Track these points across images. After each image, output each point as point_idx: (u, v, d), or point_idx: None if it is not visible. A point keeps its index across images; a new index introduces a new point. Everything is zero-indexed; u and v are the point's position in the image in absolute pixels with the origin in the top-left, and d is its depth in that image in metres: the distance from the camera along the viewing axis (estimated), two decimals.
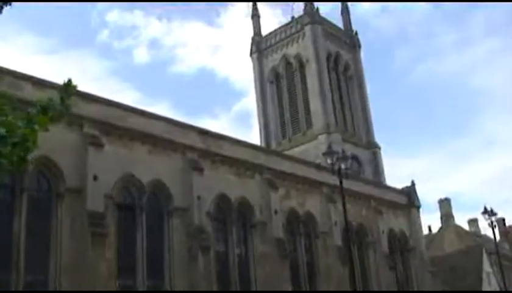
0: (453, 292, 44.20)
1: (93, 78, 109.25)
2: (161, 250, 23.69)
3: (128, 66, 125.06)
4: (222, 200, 26.75)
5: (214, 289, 24.38)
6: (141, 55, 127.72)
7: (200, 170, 25.43)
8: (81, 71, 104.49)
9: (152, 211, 23.90)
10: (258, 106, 49.33)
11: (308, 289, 30.10)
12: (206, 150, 26.50)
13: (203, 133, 27.17)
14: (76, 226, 20.59)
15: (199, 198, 24.70)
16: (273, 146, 45.16)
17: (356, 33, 53.39)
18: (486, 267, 49.51)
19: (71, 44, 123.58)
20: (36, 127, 6.80)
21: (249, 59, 51.53)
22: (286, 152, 38.07)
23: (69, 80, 7.35)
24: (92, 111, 22.04)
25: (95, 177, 21.11)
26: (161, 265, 23.51)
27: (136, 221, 23.25)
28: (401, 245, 39.15)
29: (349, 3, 55.54)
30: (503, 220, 68.97)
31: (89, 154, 21.43)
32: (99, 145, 21.88)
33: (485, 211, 32.50)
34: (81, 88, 9.37)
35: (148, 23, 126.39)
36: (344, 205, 22.66)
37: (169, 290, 23.11)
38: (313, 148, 41.23)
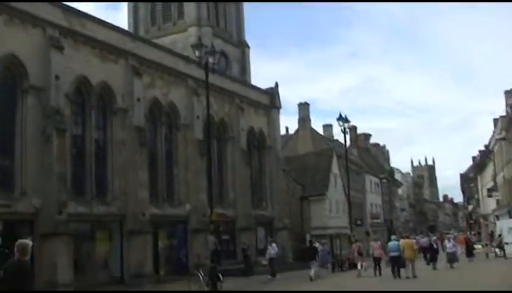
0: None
1: None
2: (12, 130, 22.46)
3: None
4: (83, 83, 25.68)
5: (68, 172, 23.90)
6: None
7: (60, 48, 23.98)
8: None
9: (4, 88, 22.34)
10: None
11: (164, 176, 30.57)
12: (68, 28, 24.91)
13: (67, 9, 25.37)
14: None
15: (57, 77, 23.45)
16: (142, 32, 43.50)
17: None
18: (335, 169, 53.27)
19: None
20: None
21: None
22: (154, 41, 36.86)
23: None
24: None
25: None
26: (12, 145, 22.40)
27: None
28: (259, 143, 40.71)
29: None
30: (355, 127, 73.93)
31: None
32: None
33: (340, 118, 34.22)
34: None
35: None
36: (207, 99, 22.68)
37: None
38: (182, 40, 40.30)
